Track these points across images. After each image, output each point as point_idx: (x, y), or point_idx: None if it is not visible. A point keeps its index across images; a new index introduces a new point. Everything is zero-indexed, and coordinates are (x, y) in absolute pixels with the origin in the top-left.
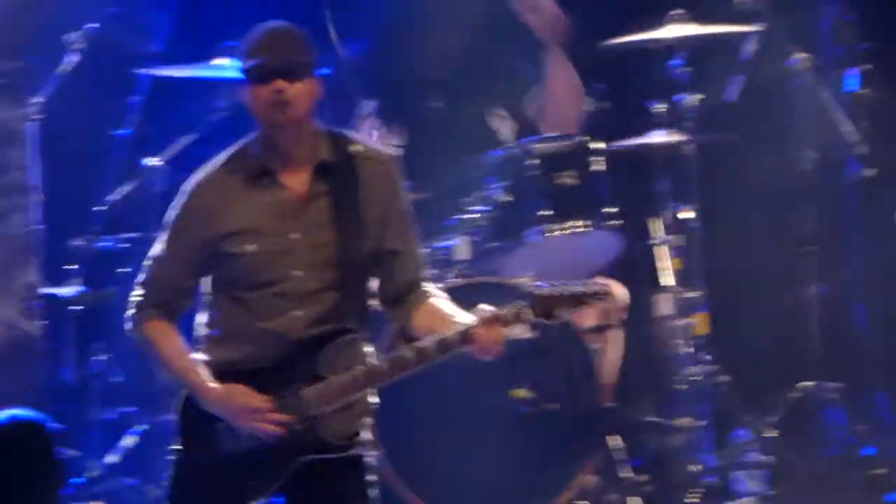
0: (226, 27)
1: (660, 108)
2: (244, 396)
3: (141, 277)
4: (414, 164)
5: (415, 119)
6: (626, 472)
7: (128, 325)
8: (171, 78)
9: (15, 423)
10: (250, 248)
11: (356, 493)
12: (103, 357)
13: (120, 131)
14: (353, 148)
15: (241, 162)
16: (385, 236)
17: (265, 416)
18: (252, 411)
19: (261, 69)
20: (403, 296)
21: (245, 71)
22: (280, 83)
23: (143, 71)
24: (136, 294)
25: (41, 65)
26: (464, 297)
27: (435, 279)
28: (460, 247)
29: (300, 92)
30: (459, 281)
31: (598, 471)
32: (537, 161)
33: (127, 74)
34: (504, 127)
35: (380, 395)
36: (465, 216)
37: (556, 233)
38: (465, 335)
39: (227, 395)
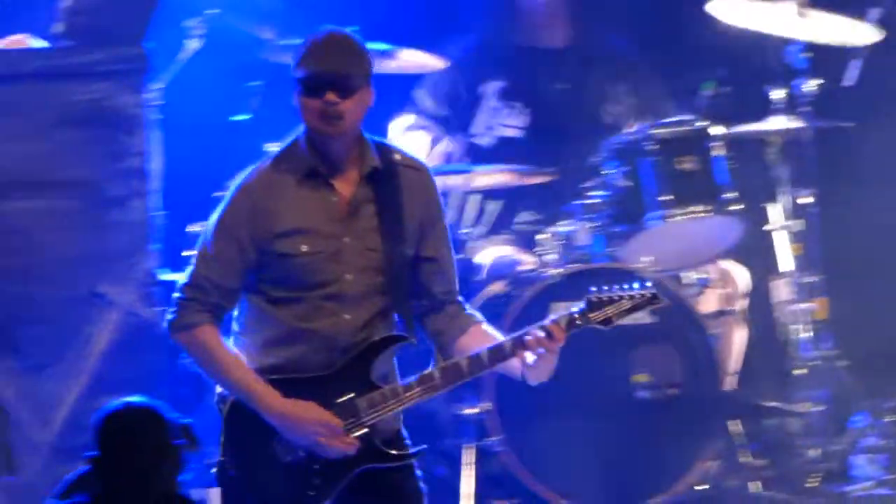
0: (342, 11)
1: (778, 93)
2: (315, 412)
3: (186, 278)
4: (536, 146)
5: (539, 100)
6: (745, 457)
7: (171, 328)
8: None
9: (130, 409)
10: (303, 248)
11: (414, 499)
12: None
13: (239, 117)
14: (393, 156)
15: (292, 161)
16: (423, 244)
17: (335, 436)
18: (321, 428)
19: (314, 81)
20: (441, 307)
21: (298, 79)
22: (332, 96)
23: (262, 56)
24: (182, 296)
25: (161, 51)
26: (583, 282)
27: (555, 264)
28: (580, 232)
29: (351, 106)
30: (578, 266)
31: (718, 456)
32: (657, 146)
33: (246, 60)
34: (625, 111)
35: (498, 382)
36: (586, 201)
37: (677, 218)
38: (520, 342)
39: (295, 409)
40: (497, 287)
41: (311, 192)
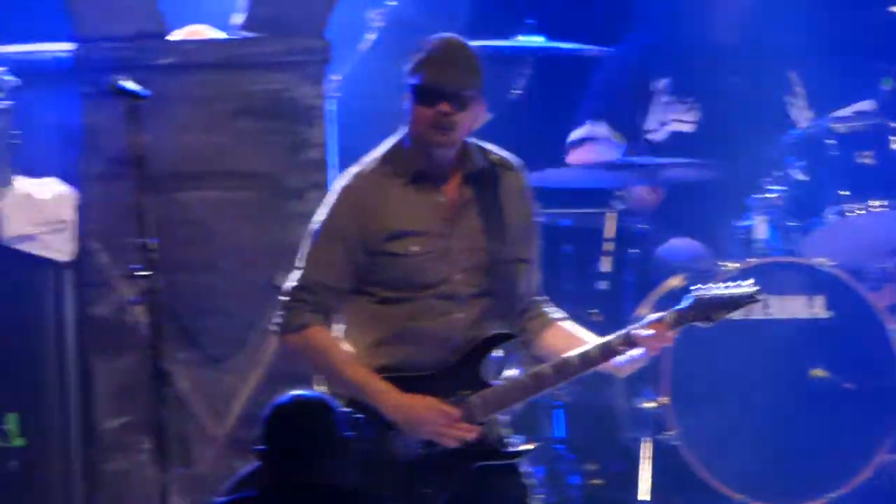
0: (521, 7)
1: None
2: (433, 403)
3: (294, 281)
4: (708, 141)
5: (710, 95)
6: None
7: (281, 330)
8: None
9: (299, 402)
10: (414, 248)
11: (522, 497)
12: None
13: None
14: (492, 157)
15: (397, 164)
16: (518, 244)
17: (454, 424)
18: (441, 418)
19: (430, 92)
20: (528, 307)
21: (414, 86)
22: (446, 107)
23: None
24: (290, 298)
25: (340, 42)
26: (760, 276)
27: (733, 258)
28: (758, 226)
29: (464, 119)
30: (756, 261)
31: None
32: (835, 140)
33: None
34: (801, 105)
35: (675, 376)
36: (764, 196)
37: (855, 212)
38: (628, 338)
39: (413, 402)
40: (675, 281)
41: (418, 194)
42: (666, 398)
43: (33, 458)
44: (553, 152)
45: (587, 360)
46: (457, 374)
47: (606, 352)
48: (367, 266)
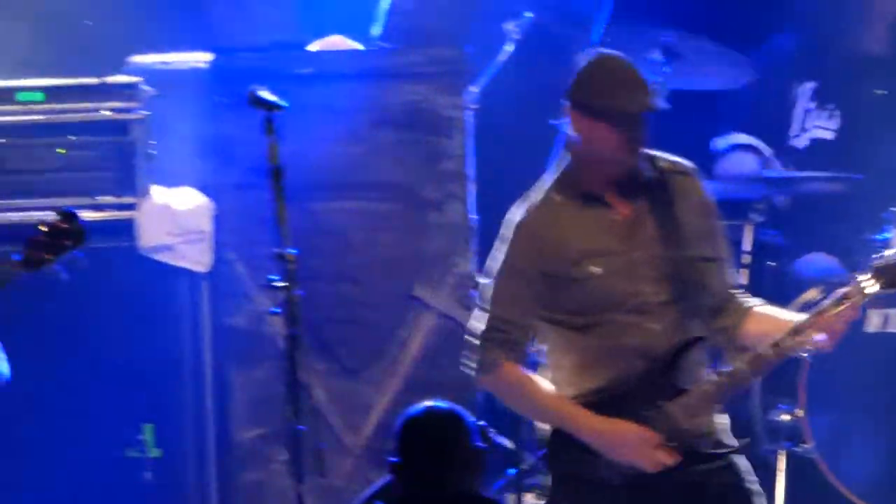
0: (658, 19)
1: None
2: (632, 428)
3: (482, 322)
4: (848, 149)
5: (853, 103)
6: None
7: (476, 373)
8: None
9: (432, 414)
10: (597, 270)
11: (741, 495)
12: None
13: (556, 121)
14: (661, 163)
15: (566, 188)
16: (703, 245)
17: (654, 449)
18: (641, 444)
19: (627, 117)
20: (724, 304)
21: (601, 109)
22: (639, 131)
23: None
24: (480, 340)
25: (479, 53)
26: None
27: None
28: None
29: (646, 135)
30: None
31: None
32: None
33: (563, 64)
34: None
35: (810, 389)
36: None
37: None
38: (818, 319)
39: (614, 428)
40: (812, 294)
41: (591, 215)
42: (801, 410)
43: (169, 468)
44: (696, 161)
45: (779, 349)
46: (653, 383)
47: (797, 336)
48: (554, 297)
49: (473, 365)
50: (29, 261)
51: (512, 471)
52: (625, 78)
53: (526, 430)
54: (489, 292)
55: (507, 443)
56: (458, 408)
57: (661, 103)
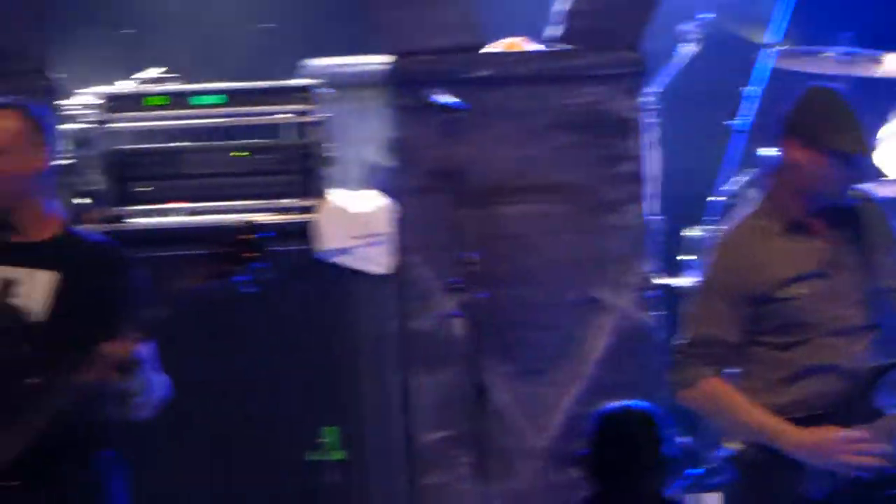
0: (841, 18)
1: None
2: (831, 431)
3: (685, 338)
4: None
5: None
6: None
7: (676, 387)
8: (787, 69)
9: (628, 412)
10: (803, 291)
11: None
12: None
13: (735, 122)
14: (852, 191)
15: (774, 214)
16: (891, 273)
17: (858, 446)
18: (844, 444)
19: (852, 157)
20: None
21: (829, 145)
22: (858, 172)
23: (758, 62)
24: (683, 354)
25: (657, 55)
26: None
27: None
28: None
29: (861, 176)
30: None
31: None
32: None
33: (742, 65)
34: None
35: None
36: None
37: None
38: None
39: (814, 436)
40: None
41: (798, 241)
42: None
43: (352, 471)
44: None
45: None
46: (850, 405)
47: None
48: (757, 316)
49: (675, 380)
50: (211, 272)
51: (693, 471)
52: (850, 119)
53: (706, 430)
54: (691, 309)
55: (688, 443)
56: (654, 409)
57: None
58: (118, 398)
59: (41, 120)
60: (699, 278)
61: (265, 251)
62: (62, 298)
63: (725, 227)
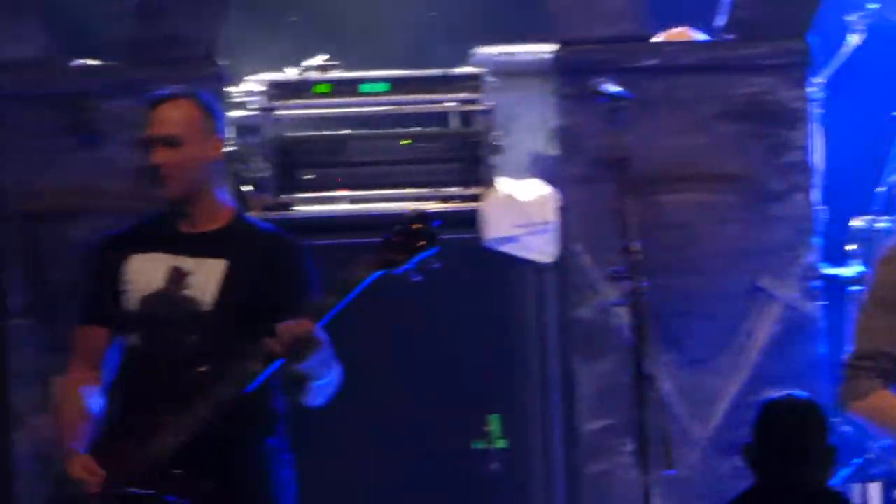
0: None
1: None
2: None
3: (852, 350)
4: None
5: None
6: None
7: (842, 399)
8: None
9: (793, 401)
10: None
11: None
12: None
13: None
14: None
15: None
16: None
17: None
18: None
19: None
20: None
21: None
22: None
23: None
24: (851, 367)
25: (823, 45)
26: None
27: None
28: None
29: None
30: None
31: None
32: None
33: None
34: None
35: None
36: None
37: None
38: None
39: None
40: None
41: None
42: None
43: (515, 459)
44: None
45: None
46: None
47: None
48: None
49: (844, 392)
50: (381, 262)
51: (857, 460)
52: None
53: None
54: (858, 323)
55: (848, 433)
56: (819, 400)
57: None
58: (296, 382)
59: (212, 108)
60: (865, 291)
61: (437, 242)
62: (232, 287)
63: (891, 243)
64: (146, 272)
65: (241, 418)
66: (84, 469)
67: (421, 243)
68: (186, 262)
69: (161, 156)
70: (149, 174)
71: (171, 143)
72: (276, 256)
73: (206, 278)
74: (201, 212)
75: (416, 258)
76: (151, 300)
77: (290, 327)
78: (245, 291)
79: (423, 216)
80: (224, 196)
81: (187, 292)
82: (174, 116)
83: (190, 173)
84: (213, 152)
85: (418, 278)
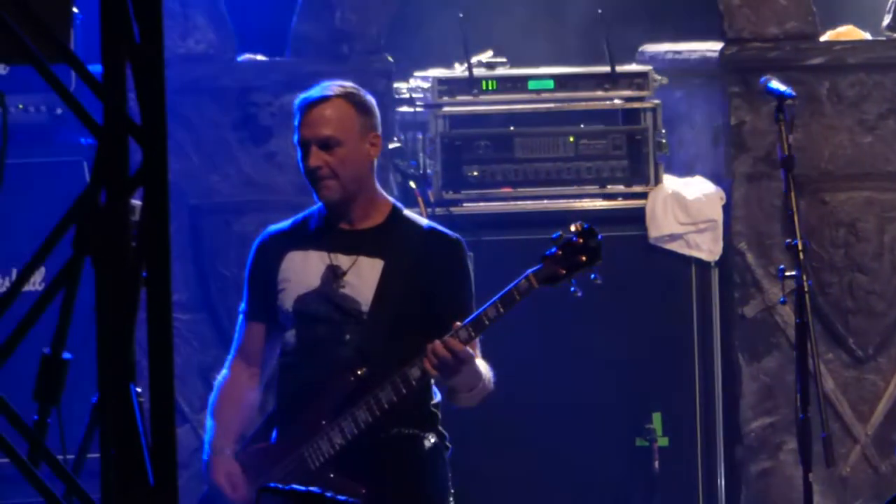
0: None
1: None
2: None
3: None
4: None
5: None
6: None
7: None
8: None
9: None
10: None
11: None
12: None
13: None
14: None
15: None
16: None
17: None
18: None
19: None
20: None
21: None
22: None
23: None
24: None
25: None
26: None
27: None
28: None
29: None
30: None
31: None
32: None
33: None
34: None
35: None
36: None
37: None
38: None
39: None
40: None
41: None
42: None
43: (677, 457)
44: None
45: None
46: None
47: None
48: None
49: None
50: (543, 276)
51: None
52: None
53: None
54: None
55: None
56: None
57: None
58: (447, 390)
59: (367, 105)
60: None
61: (600, 257)
62: (389, 287)
63: None
64: (303, 270)
65: (399, 419)
66: (227, 478)
67: (583, 258)
68: (343, 261)
69: (317, 158)
70: (307, 176)
71: (326, 144)
72: (434, 254)
73: (363, 277)
74: (359, 209)
75: (578, 273)
76: (307, 298)
77: (441, 349)
78: (402, 291)
79: (587, 231)
80: (381, 192)
81: (344, 291)
82: (329, 117)
83: (347, 174)
84: (371, 150)
85: (580, 293)
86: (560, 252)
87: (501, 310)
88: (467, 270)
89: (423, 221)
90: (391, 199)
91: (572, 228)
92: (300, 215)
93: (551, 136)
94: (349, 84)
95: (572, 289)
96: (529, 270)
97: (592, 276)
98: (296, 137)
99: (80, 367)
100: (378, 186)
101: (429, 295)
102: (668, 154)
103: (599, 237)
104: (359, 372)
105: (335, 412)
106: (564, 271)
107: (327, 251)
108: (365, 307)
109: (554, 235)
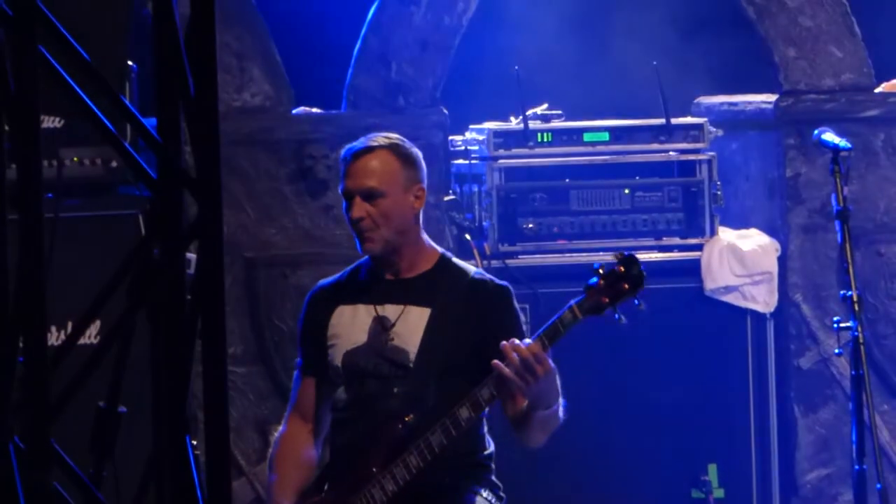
0: None
1: None
2: None
3: None
4: None
5: None
6: None
7: None
8: None
9: None
10: None
11: None
12: None
13: None
14: None
15: None
16: None
17: None
18: None
19: None
20: None
21: None
22: None
23: None
24: None
25: None
26: None
27: None
28: None
29: None
30: None
31: None
32: None
33: None
34: None
35: None
36: None
37: None
38: None
39: None
40: None
41: None
42: None
43: None
44: None
45: None
46: None
47: None
48: None
49: None
50: (587, 307)
51: None
52: None
53: None
54: None
55: None
56: None
57: None
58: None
59: (412, 156)
60: None
61: (642, 284)
62: (435, 336)
63: None
64: (351, 325)
65: (451, 466)
66: None
67: (626, 286)
68: (391, 311)
69: (360, 209)
70: (351, 227)
71: (370, 195)
72: (481, 300)
73: (410, 326)
74: (405, 260)
75: (622, 301)
76: (356, 354)
77: (517, 346)
78: (448, 338)
79: (629, 260)
80: (429, 242)
81: (393, 343)
82: (373, 168)
83: (390, 226)
84: (415, 203)
85: (625, 320)
86: (602, 282)
87: (546, 343)
88: (517, 314)
89: (472, 269)
90: (440, 248)
91: (613, 257)
92: (350, 268)
93: (607, 189)
94: (394, 135)
95: (616, 316)
96: (573, 301)
97: (636, 302)
98: (340, 188)
99: (136, 421)
100: (425, 237)
101: (477, 341)
102: (724, 206)
103: (641, 265)
104: (406, 419)
105: (386, 460)
106: (608, 300)
107: (375, 303)
108: (412, 356)
109: (595, 265)
